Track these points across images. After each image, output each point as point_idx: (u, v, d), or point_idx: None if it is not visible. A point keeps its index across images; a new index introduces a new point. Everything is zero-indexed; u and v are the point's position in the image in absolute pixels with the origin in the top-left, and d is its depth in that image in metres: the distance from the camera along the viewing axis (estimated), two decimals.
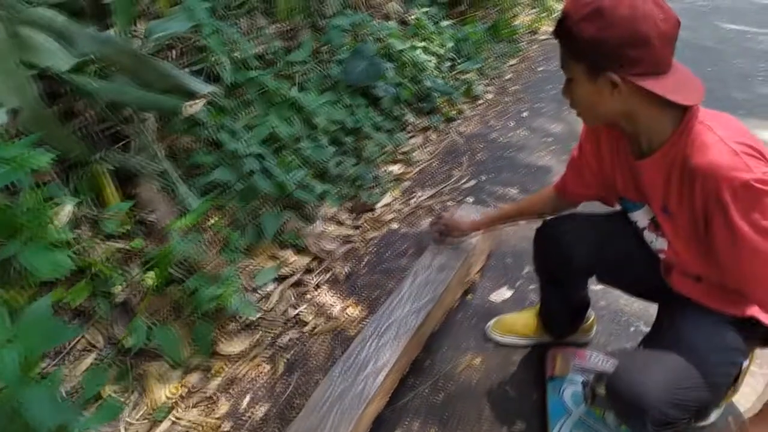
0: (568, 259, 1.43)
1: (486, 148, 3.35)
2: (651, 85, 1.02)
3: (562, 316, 1.70)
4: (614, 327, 1.93)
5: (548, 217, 1.53)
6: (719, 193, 1.00)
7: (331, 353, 1.72)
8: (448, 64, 4.07)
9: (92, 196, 1.71)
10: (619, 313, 2.00)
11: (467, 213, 2.01)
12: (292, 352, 1.71)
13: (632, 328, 1.93)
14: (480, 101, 4.07)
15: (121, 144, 1.85)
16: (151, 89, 1.76)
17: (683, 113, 1.08)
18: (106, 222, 1.56)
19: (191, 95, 1.85)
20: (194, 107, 1.66)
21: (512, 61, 5.12)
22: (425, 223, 2.51)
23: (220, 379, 1.57)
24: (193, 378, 1.57)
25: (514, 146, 3.43)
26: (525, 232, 2.46)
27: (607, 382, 1.21)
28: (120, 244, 1.70)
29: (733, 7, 7.35)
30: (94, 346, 1.57)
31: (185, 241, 1.63)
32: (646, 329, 1.92)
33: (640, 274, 1.40)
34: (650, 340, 1.29)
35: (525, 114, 3.97)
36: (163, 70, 1.79)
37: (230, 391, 1.56)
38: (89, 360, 1.53)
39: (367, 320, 1.87)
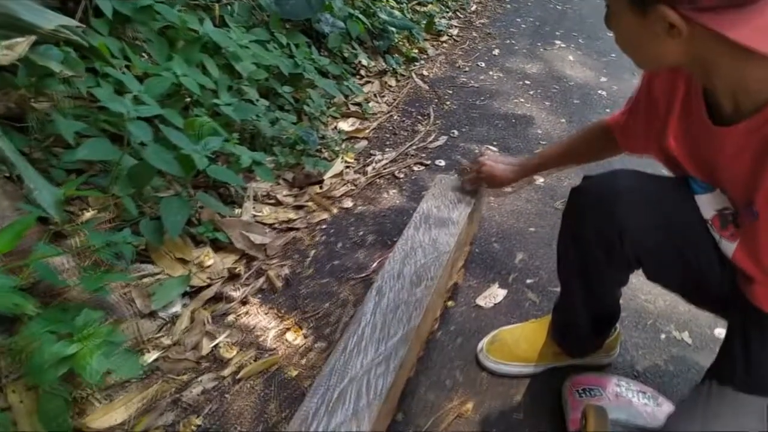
0: (618, 232, 0.98)
1: (455, 95, 2.79)
2: (725, 26, 0.68)
3: (586, 326, 1.23)
4: (639, 336, 1.47)
5: (597, 172, 1.07)
6: None
7: (262, 412, 1.19)
8: None
9: None
10: (641, 314, 1.55)
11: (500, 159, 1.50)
12: (204, 413, 1.17)
13: (663, 336, 1.48)
14: (444, 38, 3.48)
15: None
16: None
17: None
18: None
19: (31, 32, 1.21)
20: (16, 50, 1.04)
21: None
22: (387, 197, 1.97)
23: None
24: None
25: (488, 92, 2.88)
26: (511, 206, 1.96)
27: None
28: None
29: None
30: None
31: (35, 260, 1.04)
32: (680, 335, 1.48)
33: (710, 278, 0.97)
34: (720, 377, 0.90)
35: (496, 52, 3.42)
36: None
37: None
38: None
39: (312, 353, 1.34)
